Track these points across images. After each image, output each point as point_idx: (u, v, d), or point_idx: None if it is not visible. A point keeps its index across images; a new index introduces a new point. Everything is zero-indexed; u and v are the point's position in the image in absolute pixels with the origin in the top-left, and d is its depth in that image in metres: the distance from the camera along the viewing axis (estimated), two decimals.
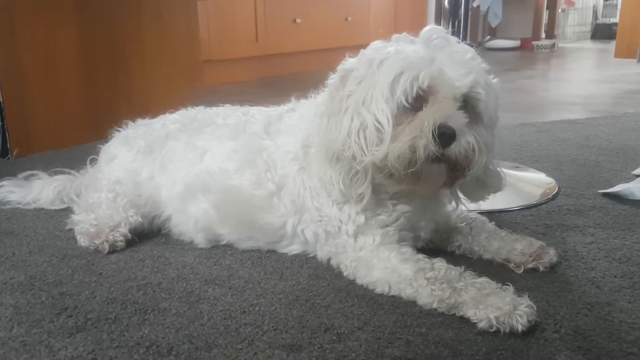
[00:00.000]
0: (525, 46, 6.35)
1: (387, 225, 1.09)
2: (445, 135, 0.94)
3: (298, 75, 4.30)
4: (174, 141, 1.34)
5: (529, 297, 0.93)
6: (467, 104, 1.01)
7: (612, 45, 5.30)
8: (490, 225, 1.21)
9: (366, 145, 1.00)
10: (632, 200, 1.51)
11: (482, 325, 0.91)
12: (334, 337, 0.91)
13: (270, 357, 0.86)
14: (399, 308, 0.99)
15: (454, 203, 1.16)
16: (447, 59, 1.00)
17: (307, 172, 1.14)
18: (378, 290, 1.04)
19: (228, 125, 1.31)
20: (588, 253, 1.20)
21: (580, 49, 6.58)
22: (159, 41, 2.59)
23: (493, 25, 5.93)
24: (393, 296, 1.02)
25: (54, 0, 2.18)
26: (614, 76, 4.12)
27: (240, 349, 0.88)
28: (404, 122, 0.98)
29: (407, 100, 0.97)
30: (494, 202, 1.26)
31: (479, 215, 1.24)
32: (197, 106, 1.45)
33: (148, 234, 1.34)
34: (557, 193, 1.60)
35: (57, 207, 1.53)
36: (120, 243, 1.26)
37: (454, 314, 0.95)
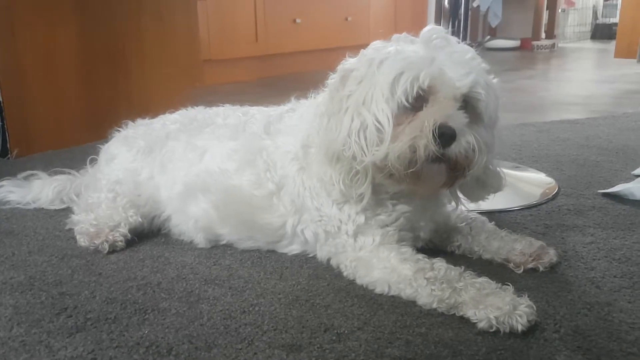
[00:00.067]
0: (525, 46, 6.36)
1: (387, 225, 1.09)
2: (445, 135, 0.94)
3: (298, 75, 4.30)
4: (174, 141, 1.34)
5: (528, 297, 0.93)
6: (467, 104, 1.01)
7: (612, 45, 5.30)
8: (490, 225, 1.21)
9: (366, 145, 1.00)
10: (632, 200, 1.51)
11: (481, 325, 0.91)
12: (334, 337, 0.91)
13: (270, 357, 0.86)
14: (399, 308, 0.99)
15: (453, 203, 1.16)
16: (447, 59, 1.00)
17: (307, 172, 1.14)
18: (378, 290, 1.04)
19: (228, 125, 1.31)
20: (588, 253, 1.20)
21: (580, 49, 6.58)
22: (159, 41, 2.59)
23: (493, 25, 5.94)
24: (393, 296, 1.02)
25: (54, 0, 2.18)
26: (614, 76, 4.12)
27: (240, 349, 0.88)
28: (404, 122, 0.98)
29: (407, 100, 0.97)
30: (494, 202, 1.26)
31: (479, 215, 1.24)
32: (197, 106, 1.45)
33: (148, 234, 1.34)
34: (557, 193, 1.60)
35: (56, 207, 1.53)
36: (120, 243, 1.26)
37: (454, 314, 0.95)
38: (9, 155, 2.09)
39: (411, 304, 1.00)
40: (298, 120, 1.21)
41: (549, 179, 1.71)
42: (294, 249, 1.21)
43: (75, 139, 2.23)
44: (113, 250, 1.25)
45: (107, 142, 1.47)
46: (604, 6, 7.79)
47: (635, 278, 1.08)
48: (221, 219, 1.24)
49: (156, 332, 0.93)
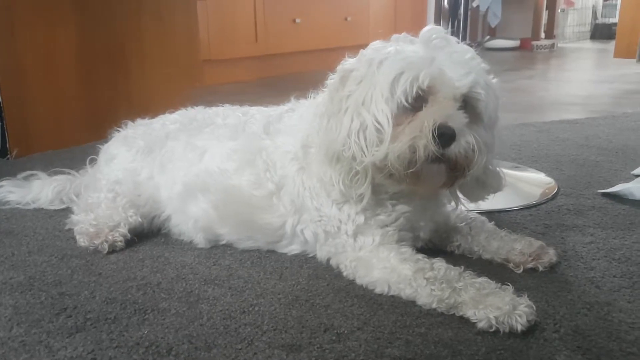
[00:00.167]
0: (524, 46, 6.36)
1: (387, 225, 1.09)
2: (445, 136, 0.94)
3: (298, 75, 4.30)
4: (174, 141, 1.34)
5: (528, 297, 0.93)
6: (467, 104, 1.01)
7: (611, 45, 5.30)
8: (490, 225, 1.21)
9: (366, 146, 1.00)
10: (632, 200, 1.51)
11: (481, 325, 0.91)
12: (334, 337, 0.91)
13: (270, 357, 0.86)
14: (399, 308, 0.99)
15: (453, 203, 1.16)
16: (447, 59, 1.00)
17: (306, 172, 1.14)
18: (377, 290, 1.04)
19: (227, 125, 1.31)
20: (587, 253, 1.20)
21: (579, 49, 6.58)
22: (159, 41, 2.59)
23: (492, 25, 5.93)
24: (392, 296, 1.02)
25: (54, 0, 2.18)
26: (614, 76, 4.13)
27: (240, 349, 0.88)
28: (403, 122, 0.98)
29: (407, 101, 0.97)
30: (494, 202, 1.26)
31: (479, 215, 1.24)
32: (196, 106, 1.45)
33: (148, 234, 1.34)
34: (556, 193, 1.60)
35: (56, 207, 1.53)
36: (119, 243, 1.26)
37: (454, 313, 0.95)
38: (9, 155, 2.09)
39: (411, 304, 1.00)
40: (298, 120, 1.21)
41: (549, 179, 1.71)
42: (293, 249, 1.21)
43: (75, 139, 2.23)
44: (113, 250, 1.25)
45: (106, 142, 1.47)
46: (604, 6, 7.80)
47: (634, 278, 1.09)
48: (221, 219, 1.24)
49: (156, 332, 0.93)
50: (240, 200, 1.20)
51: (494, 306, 0.91)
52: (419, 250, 1.10)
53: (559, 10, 6.85)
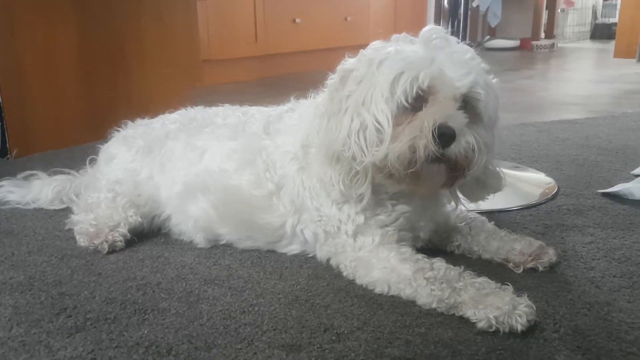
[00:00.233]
0: (524, 46, 6.36)
1: (387, 225, 1.09)
2: (445, 136, 0.94)
3: (298, 75, 4.30)
4: (173, 141, 1.34)
5: (528, 296, 0.93)
6: (467, 104, 1.01)
7: (611, 45, 5.31)
8: (490, 225, 1.21)
9: (366, 146, 1.00)
10: (632, 200, 1.51)
11: (481, 325, 0.91)
12: (334, 337, 0.91)
13: (270, 357, 0.86)
14: (399, 308, 0.99)
15: (453, 203, 1.16)
16: (446, 59, 1.00)
17: (306, 172, 1.14)
18: (377, 290, 1.04)
19: (227, 125, 1.31)
20: (587, 253, 1.20)
21: (579, 49, 6.58)
22: (159, 41, 2.59)
23: (492, 25, 5.93)
24: (392, 296, 1.02)
25: (54, 0, 2.18)
26: (613, 76, 4.13)
27: (240, 349, 0.88)
28: (403, 122, 0.98)
29: (407, 101, 0.97)
30: (494, 202, 1.26)
31: (478, 215, 1.24)
32: (196, 106, 1.45)
33: (148, 234, 1.34)
34: (556, 193, 1.60)
35: (56, 207, 1.53)
36: (119, 243, 1.26)
37: (454, 313, 0.95)
38: (9, 155, 2.09)
39: (411, 303, 1.00)
40: (297, 120, 1.21)
41: (549, 179, 1.71)
42: (293, 249, 1.21)
43: (75, 139, 2.23)
44: (112, 250, 1.25)
45: (106, 142, 1.47)
46: (604, 6, 7.80)
47: (634, 278, 1.09)
48: (220, 218, 1.24)
49: (156, 332, 0.93)
50: (240, 200, 1.20)
51: (494, 306, 0.91)
52: (419, 250, 1.10)
53: (559, 10, 6.85)
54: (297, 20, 4.44)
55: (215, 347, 0.89)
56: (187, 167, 1.28)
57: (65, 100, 2.27)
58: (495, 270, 1.11)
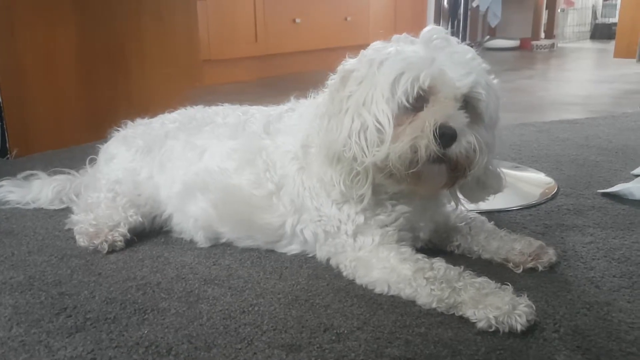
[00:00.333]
0: (524, 46, 6.36)
1: (386, 225, 1.09)
2: (446, 135, 0.94)
3: (298, 75, 4.30)
4: (173, 140, 1.34)
5: (528, 296, 0.93)
6: (468, 104, 1.01)
7: (611, 45, 5.31)
8: (490, 225, 1.21)
9: (367, 146, 1.00)
10: (631, 200, 1.51)
11: (481, 325, 0.91)
12: (333, 337, 0.91)
13: (270, 357, 0.86)
14: (399, 308, 0.99)
15: (453, 203, 1.16)
16: (447, 60, 1.00)
17: (306, 172, 1.14)
18: (377, 290, 1.04)
19: (227, 124, 1.31)
20: (587, 253, 1.20)
21: (579, 49, 6.58)
22: (159, 41, 2.59)
23: (492, 25, 5.93)
24: (392, 296, 1.02)
25: (54, 0, 2.18)
26: (613, 76, 4.13)
27: (240, 348, 0.88)
28: (404, 122, 0.98)
29: (407, 101, 0.97)
30: (493, 202, 1.25)
31: (478, 215, 1.24)
32: (196, 106, 1.45)
33: (148, 234, 1.34)
34: (556, 193, 1.60)
35: (56, 207, 1.53)
36: (119, 243, 1.26)
37: (453, 313, 0.95)
38: (9, 155, 2.09)
39: (411, 303, 1.00)
40: (298, 119, 1.21)
41: (549, 179, 1.71)
42: (293, 248, 1.21)
43: (75, 139, 2.23)
44: (112, 250, 1.25)
45: (106, 142, 1.47)
46: (603, 6, 7.80)
47: (634, 278, 1.09)
48: (220, 218, 1.24)
49: (155, 332, 0.93)
50: (240, 200, 1.20)
51: (494, 306, 0.91)
52: (419, 250, 1.10)
53: (559, 10, 6.85)
54: (297, 20, 4.44)
55: (215, 347, 0.89)
56: (186, 167, 1.28)
57: (65, 100, 2.27)
58: (495, 270, 1.11)
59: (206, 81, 3.62)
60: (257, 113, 1.31)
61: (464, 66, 1.00)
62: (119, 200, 1.32)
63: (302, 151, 1.14)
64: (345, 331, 0.92)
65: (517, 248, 1.13)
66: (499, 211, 1.44)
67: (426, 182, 1.02)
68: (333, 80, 1.09)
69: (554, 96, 3.42)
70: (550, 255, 1.13)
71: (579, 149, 2.09)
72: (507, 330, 0.89)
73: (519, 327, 0.89)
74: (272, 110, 1.30)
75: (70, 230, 1.35)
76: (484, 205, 1.25)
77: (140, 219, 1.31)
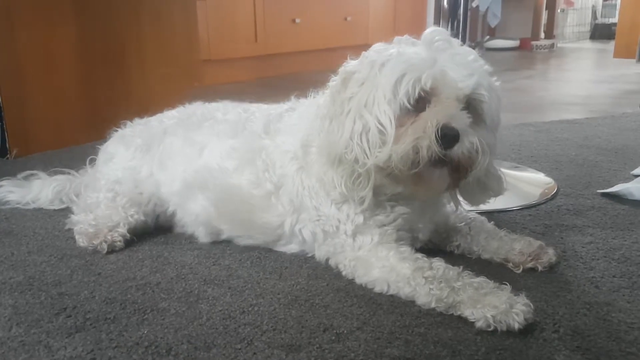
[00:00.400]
0: (524, 46, 6.36)
1: (385, 225, 1.09)
2: (448, 136, 0.94)
3: (297, 75, 4.30)
4: (172, 136, 1.34)
5: (527, 296, 0.93)
6: (470, 105, 1.00)
7: (611, 46, 5.30)
8: (489, 225, 1.21)
9: (369, 148, 1.00)
10: (631, 200, 1.52)
11: (479, 324, 0.91)
12: (333, 337, 0.91)
13: (269, 357, 0.86)
14: (398, 308, 0.99)
15: (453, 205, 1.15)
16: (449, 61, 0.99)
17: (306, 172, 1.14)
18: (377, 289, 1.04)
19: (228, 121, 1.30)
20: (587, 253, 1.20)
21: (579, 49, 6.58)
22: (159, 41, 2.59)
23: (492, 26, 5.93)
24: (392, 296, 1.02)
25: (54, 0, 2.18)
26: (613, 76, 4.13)
27: (239, 349, 0.88)
28: (406, 123, 0.98)
29: (409, 102, 0.97)
30: (493, 202, 1.25)
31: (478, 215, 1.24)
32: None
33: (148, 234, 1.34)
34: (556, 193, 1.60)
35: (56, 207, 1.53)
36: (118, 243, 1.26)
37: (453, 313, 0.95)
38: (9, 155, 2.09)
39: (410, 304, 1.00)
40: (297, 119, 1.21)
41: (548, 179, 1.71)
42: (292, 248, 1.21)
43: (75, 139, 2.23)
44: (112, 250, 1.25)
45: (106, 142, 1.47)
46: (603, 6, 7.80)
47: (634, 278, 1.09)
48: (220, 216, 1.24)
49: (155, 332, 0.93)
50: (239, 199, 1.20)
51: (492, 305, 0.91)
52: (419, 249, 1.10)
53: (559, 10, 6.85)
54: (297, 20, 4.44)
55: (214, 347, 0.89)
56: (186, 164, 1.28)
57: (65, 100, 2.27)
58: (494, 270, 1.11)
59: (206, 81, 3.62)
60: (257, 111, 1.31)
61: (466, 67, 1.00)
62: (118, 200, 1.32)
63: (301, 151, 1.14)
64: (345, 331, 0.92)
65: (517, 248, 1.13)
66: (499, 211, 1.44)
67: (428, 184, 1.02)
68: (334, 81, 1.08)
69: (553, 96, 3.42)
70: (550, 255, 1.13)
71: (579, 149, 2.09)
72: (504, 329, 0.89)
73: (516, 326, 0.89)
74: (272, 109, 1.30)
75: (70, 230, 1.35)
76: (484, 206, 1.25)
77: (142, 217, 1.31)
